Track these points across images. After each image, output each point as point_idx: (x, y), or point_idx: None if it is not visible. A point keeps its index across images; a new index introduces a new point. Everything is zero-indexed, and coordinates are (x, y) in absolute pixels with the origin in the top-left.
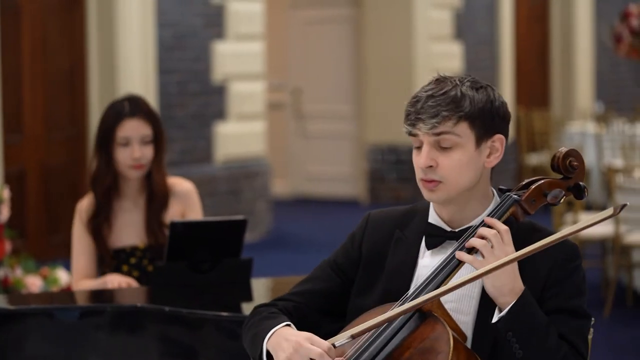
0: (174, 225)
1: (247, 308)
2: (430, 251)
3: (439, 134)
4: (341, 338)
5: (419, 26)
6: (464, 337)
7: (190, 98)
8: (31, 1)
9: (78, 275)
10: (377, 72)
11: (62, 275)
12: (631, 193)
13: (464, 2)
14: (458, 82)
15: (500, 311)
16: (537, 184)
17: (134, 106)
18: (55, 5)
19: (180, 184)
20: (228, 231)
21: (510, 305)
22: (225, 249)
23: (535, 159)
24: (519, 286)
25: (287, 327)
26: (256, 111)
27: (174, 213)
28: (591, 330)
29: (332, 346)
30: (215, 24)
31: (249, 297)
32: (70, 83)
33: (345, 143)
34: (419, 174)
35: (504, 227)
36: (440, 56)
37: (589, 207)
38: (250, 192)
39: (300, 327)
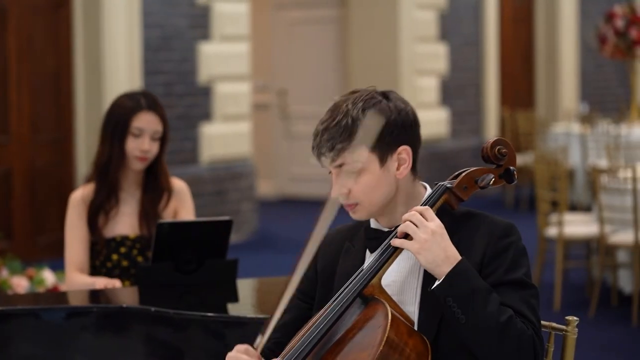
0: (160, 226)
1: (232, 309)
2: (373, 254)
3: (340, 165)
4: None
5: (404, 27)
6: (411, 322)
7: (176, 99)
8: (17, 3)
9: (72, 266)
10: (362, 73)
11: (48, 276)
12: (615, 193)
13: (449, 3)
14: (350, 107)
15: None
16: (467, 171)
17: (152, 101)
18: (41, 7)
19: (174, 182)
20: (213, 232)
21: (447, 271)
22: (210, 250)
23: (520, 159)
24: (453, 255)
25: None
26: (242, 112)
27: (167, 209)
28: (576, 330)
29: (249, 346)
30: (200, 25)
31: (234, 298)
32: (56, 84)
33: None
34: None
35: (421, 207)
36: (425, 57)
37: (574, 207)
38: (235, 192)
39: None
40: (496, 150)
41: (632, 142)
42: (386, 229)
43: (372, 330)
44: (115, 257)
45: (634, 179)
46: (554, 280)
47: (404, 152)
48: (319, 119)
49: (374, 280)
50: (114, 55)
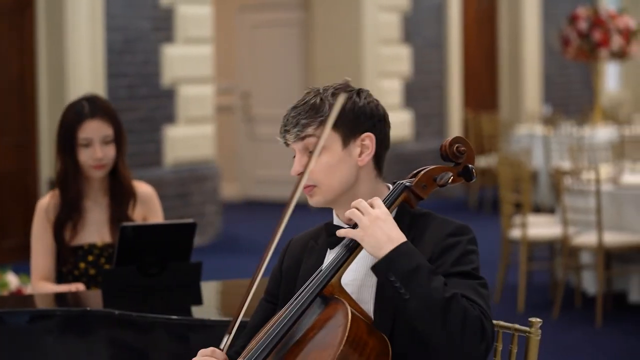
0: (123, 229)
1: (196, 311)
2: (332, 250)
3: (303, 139)
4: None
5: (367, 29)
6: (370, 319)
7: (139, 102)
8: None
9: (37, 275)
10: (326, 75)
11: (11, 280)
12: (579, 195)
13: (412, 5)
14: (322, 91)
15: None
16: (426, 170)
17: (94, 106)
18: (4, 11)
19: (141, 187)
20: (177, 234)
21: (389, 250)
22: (174, 252)
23: (484, 161)
24: (397, 237)
25: None
26: (205, 114)
27: (135, 215)
28: (539, 331)
29: (215, 348)
30: (164, 27)
31: (198, 301)
32: (20, 88)
33: None
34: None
35: (373, 198)
36: (389, 59)
37: (537, 209)
38: (199, 195)
39: None
40: (454, 148)
41: (595, 143)
42: (347, 226)
43: (333, 329)
44: (82, 265)
45: (597, 181)
46: (517, 281)
47: (368, 138)
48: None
49: (334, 280)
50: (77, 58)
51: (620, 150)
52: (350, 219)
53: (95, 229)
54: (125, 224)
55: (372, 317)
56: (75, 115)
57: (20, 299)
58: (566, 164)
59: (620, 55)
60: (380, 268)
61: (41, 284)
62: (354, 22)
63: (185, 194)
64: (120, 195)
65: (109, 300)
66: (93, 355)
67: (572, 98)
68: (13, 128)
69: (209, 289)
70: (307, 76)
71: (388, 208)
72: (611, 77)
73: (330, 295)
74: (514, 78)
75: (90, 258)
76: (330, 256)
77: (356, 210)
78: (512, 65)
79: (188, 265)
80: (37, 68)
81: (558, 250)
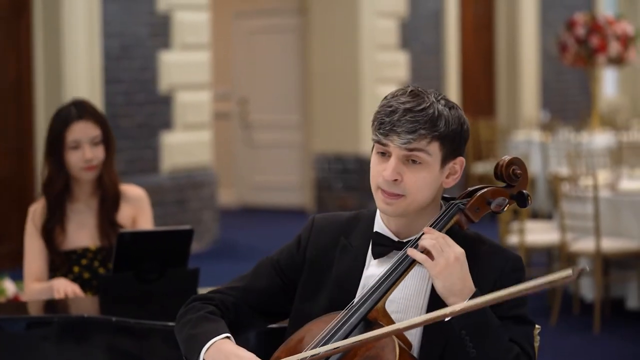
0: (121, 236)
1: None
2: (376, 260)
3: (411, 150)
4: None
5: (365, 35)
6: (410, 345)
7: (136, 108)
8: None
9: (30, 278)
10: (323, 81)
11: (8, 286)
12: (576, 201)
13: (410, 11)
14: (434, 100)
15: None
16: (480, 192)
17: (81, 109)
18: (0, 15)
19: (132, 190)
20: (174, 241)
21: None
22: (171, 259)
23: (481, 167)
24: (469, 287)
25: (227, 341)
26: (202, 121)
27: (125, 216)
28: (537, 338)
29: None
30: (161, 33)
31: None
32: (17, 94)
33: (291, 152)
34: (379, 183)
35: (441, 234)
36: (386, 65)
37: (535, 215)
38: (196, 201)
39: (235, 325)
40: (511, 170)
41: (593, 149)
42: (396, 239)
43: None
44: (76, 269)
45: (595, 187)
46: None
47: (459, 163)
48: (280, 127)
49: (381, 303)
50: (74, 64)
51: (618, 156)
52: (424, 248)
53: (87, 233)
54: (123, 230)
55: (416, 342)
56: (62, 119)
57: (17, 305)
58: (564, 170)
59: (618, 61)
60: (456, 323)
61: (34, 284)
62: (351, 27)
63: (182, 200)
64: (108, 198)
65: (106, 307)
66: None
67: (569, 104)
68: (10, 133)
69: None
70: (304, 82)
71: (440, 230)
72: (609, 83)
73: (374, 320)
74: (511, 84)
75: (84, 262)
76: (373, 265)
77: (437, 245)
78: (509, 71)
79: (185, 272)
80: (34, 73)
81: (556, 256)
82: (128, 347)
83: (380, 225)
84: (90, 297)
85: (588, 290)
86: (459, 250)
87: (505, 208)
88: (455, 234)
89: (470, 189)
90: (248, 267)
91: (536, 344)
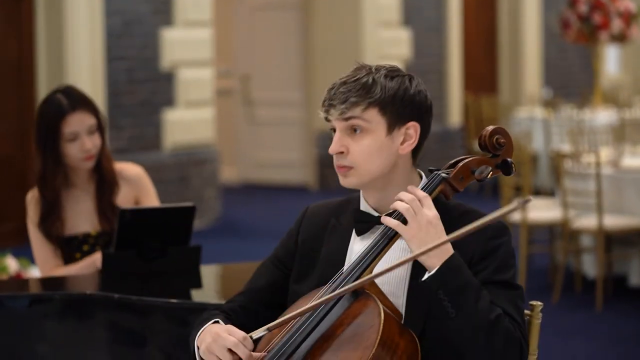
0: (122, 213)
1: (196, 295)
2: (360, 237)
3: (347, 119)
4: (259, 332)
5: (367, 12)
6: (399, 315)
7: (138, 85)
8: None
9: (46, 265)
10: (326, 58)
11: (11, 263)
12: (579, 178)
13: None
14: (374, 70)
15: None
16: (464, 162)
17: (72, 99)
18: None
19: (129, 169)
20: (177, 218)
21: (440, 264)
22: (174, 236)
23: None
24: (446, 248)
25: (215, 324)
26: (205, 98)
27: (125, 198)
28: (539, 315)
29: (248, 337)
30: (163, 10)
31: (198, 284)
32: (18, 73)
33: (294, 129)
34: (334, 160)
35: (422, 194)
36: (389, 42)
37: (538, 192)
38: (199, 179)
39: (249, 324)
40: (494, 139)
41: (596, 127)
42: (376, 214)
43: (364, 329)
44: (78, 255)
45: (597, 164)
46: (517, 265)
47: (413, 128)
48: (282, 104)
49: (367, 272)
50: (76, 42)
51: (621, 133)
52: (395, 210)
53: (87, 218)
54: (124, 208)
55: (403, 311)
56: (55, 110)
57: (19, 283)
58: (566, 147)
59: (621, 38)
60: (432, 284)
61: (60, 269)
62: (353, 5)
63: (184, 177)
64: (105, 183)
65: (109, 284)
66: (92, 339)
67: (572, 81)
68: (11, 113)
69: (209, 273)
70: (306, 59)
71: None
72: (611, 60)
73: (360, 289)
74: (513, 61)
75: (85, 247)
76: (357, 242)
77: (410, 209)
78: (512, 48)
79: (187, 249)
80: (36, 52)
81: (558, 233)
82: (130, 324)
83: (363, 204)
84: (92, 274)
85: (590, 267)
86: (433, 214)
87: (489, 176)
88: (440, 203)
89: (454, 159)
90: (250, 244)
91: (538, 321)
